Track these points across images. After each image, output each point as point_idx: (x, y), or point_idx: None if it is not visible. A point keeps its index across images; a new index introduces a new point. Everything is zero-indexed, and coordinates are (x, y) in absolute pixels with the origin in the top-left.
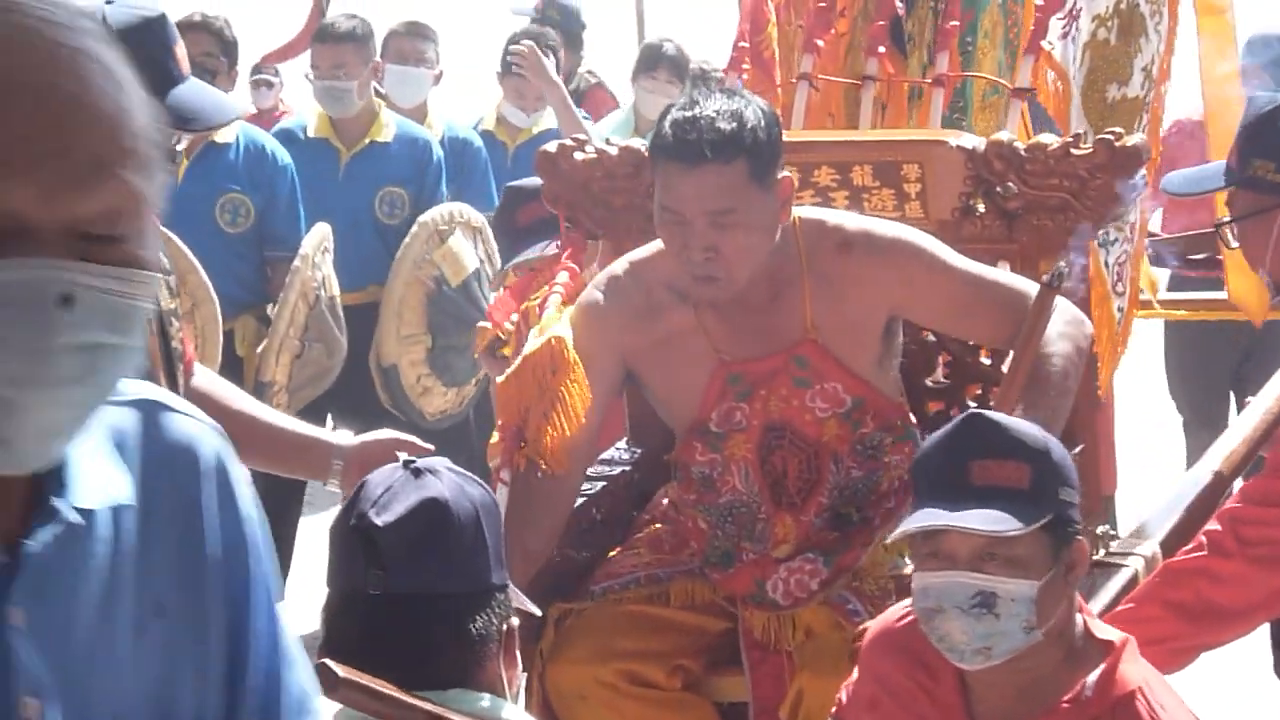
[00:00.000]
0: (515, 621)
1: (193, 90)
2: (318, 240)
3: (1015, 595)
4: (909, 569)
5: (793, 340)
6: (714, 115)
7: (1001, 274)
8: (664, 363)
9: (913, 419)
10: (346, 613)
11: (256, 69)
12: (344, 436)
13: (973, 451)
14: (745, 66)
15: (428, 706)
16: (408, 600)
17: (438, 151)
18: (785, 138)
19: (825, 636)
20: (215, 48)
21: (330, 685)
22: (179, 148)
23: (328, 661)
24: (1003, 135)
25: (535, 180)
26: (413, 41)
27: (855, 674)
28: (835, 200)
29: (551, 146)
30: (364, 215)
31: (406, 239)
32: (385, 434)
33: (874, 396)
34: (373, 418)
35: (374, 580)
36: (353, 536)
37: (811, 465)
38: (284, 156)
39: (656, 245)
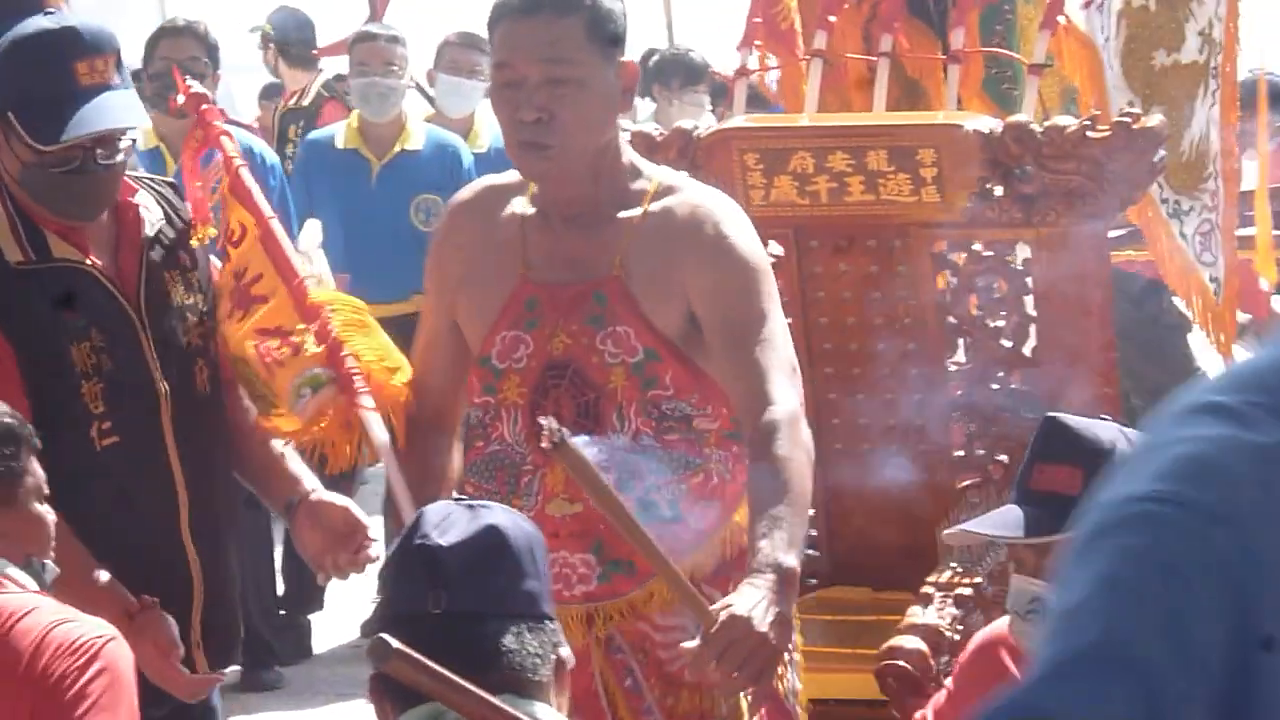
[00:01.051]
0: (565, 652)
1: (92, 103)
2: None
3: None
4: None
5: (599, 274)
6: None
7: (781, 355)
8: (476, 282)
9: (735, 423)
10: (406, 632)
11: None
12: (311, 483)
13: (1037, 454)
14: (758, 43)
15: (477, 691)
16: (467, 619)
17: (467, 158)
18: (800, 122)
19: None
20: (199, 51)
21: (383, 657)
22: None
23: (384, 635)
24: (1020, 117)
25: None
26: (467, 53)
27: (949, 687)
28: (850, 185)
29: None
30: (401, 223)
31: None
32: (342, 500)
33: (672, 358)
34: None
35: (435, 600)
36: (416, 558)
37: (590, 412)
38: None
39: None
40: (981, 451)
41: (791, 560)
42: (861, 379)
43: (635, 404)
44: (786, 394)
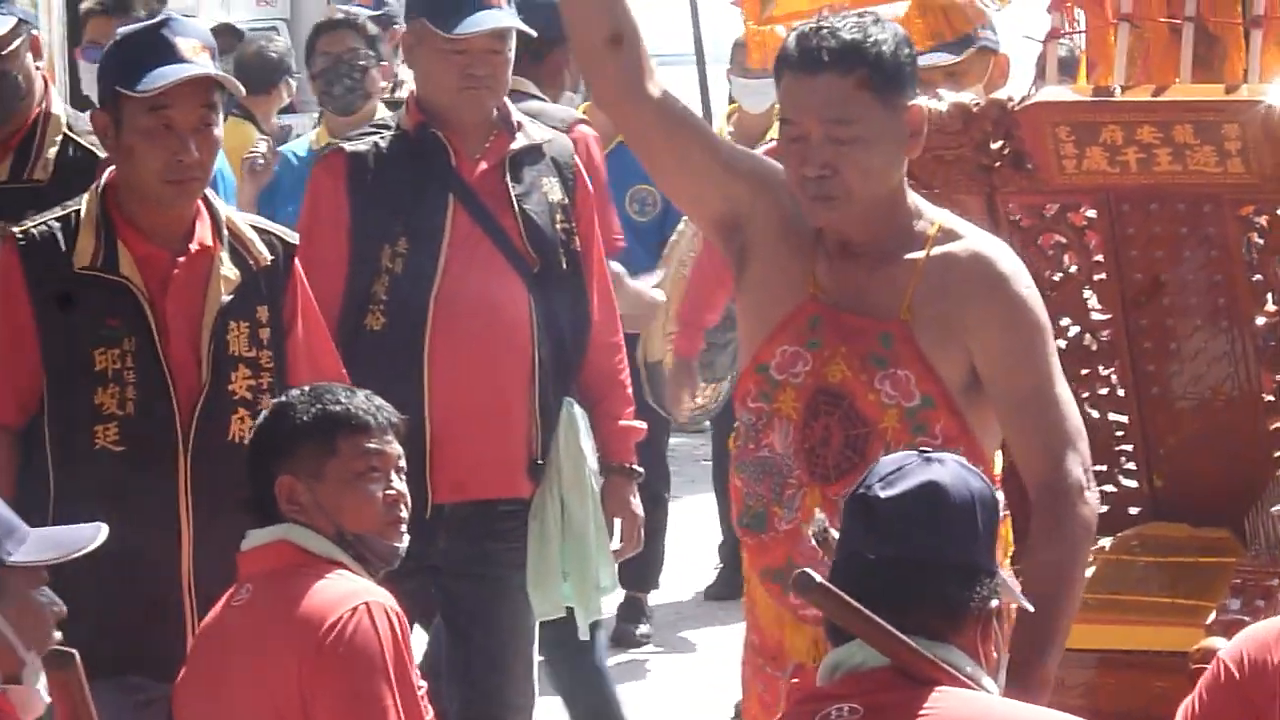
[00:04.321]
0: (996, 604)
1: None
2: None
3: None
4: None
5: (885, 314)
6: (838, 26)
7: (1069, 421)
8: (767, 269)
9: (997, 481)
10: (846, 571)
11: None
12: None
13: None
14: (1068, 3)
15: (888, 627)
16: (896, 564)
17: None
18: (1110, 98)
19: None
20: (359, 43)
21: (806, 588)
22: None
23: (806, 570)
24: None
25: None
26: None
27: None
28: (1158, 156)
29: None
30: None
31: (673, 237)
32: None
33: (946, 408)
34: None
35: (869, 544)
36: (858, 505)
37: (858, 446)
38: None
39: None
40: None
41: (1043, 663)
42: (1175, 330)
43: (903, 447)
44: (1074, 463)
